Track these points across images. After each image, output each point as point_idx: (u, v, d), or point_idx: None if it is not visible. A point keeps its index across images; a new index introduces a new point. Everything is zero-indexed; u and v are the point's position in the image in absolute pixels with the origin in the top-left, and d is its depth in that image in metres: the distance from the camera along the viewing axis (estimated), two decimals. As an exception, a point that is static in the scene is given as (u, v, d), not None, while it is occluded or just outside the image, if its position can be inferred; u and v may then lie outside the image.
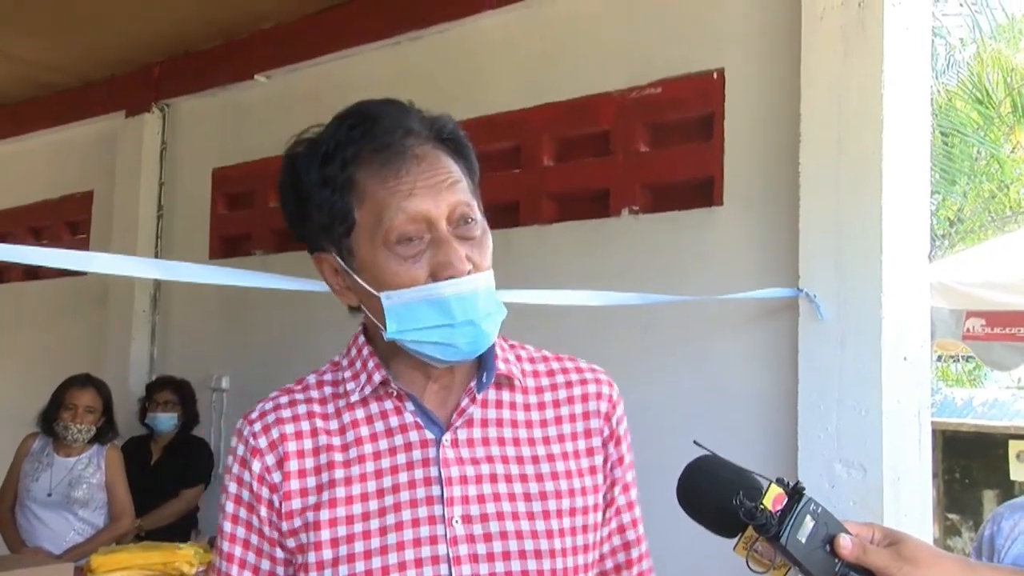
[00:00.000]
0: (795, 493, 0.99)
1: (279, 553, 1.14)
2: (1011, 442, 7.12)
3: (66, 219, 5.87)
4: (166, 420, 4.46)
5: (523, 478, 1.14)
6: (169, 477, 4.40)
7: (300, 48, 4.50)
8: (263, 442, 1.14)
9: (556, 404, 1.20)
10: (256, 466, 1.14)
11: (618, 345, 3.25)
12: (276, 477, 1.13)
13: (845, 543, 0.99)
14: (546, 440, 1.17)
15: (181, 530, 4.19)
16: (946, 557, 1.02)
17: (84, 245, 5.58)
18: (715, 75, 3.19)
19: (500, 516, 1.11)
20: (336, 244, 1.13)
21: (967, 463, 7.56)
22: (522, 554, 1.11)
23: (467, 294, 1.09)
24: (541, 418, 1.19)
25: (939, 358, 10.45)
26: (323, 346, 4.29)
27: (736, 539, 1.02)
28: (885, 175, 2.75)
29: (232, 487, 1.16)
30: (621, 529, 1.23)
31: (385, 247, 1.09)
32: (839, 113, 2.83)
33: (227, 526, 1.16)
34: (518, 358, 1.22)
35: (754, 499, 0.98)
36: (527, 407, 1.19)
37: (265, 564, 1.15)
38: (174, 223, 5.17)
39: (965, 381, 12.27)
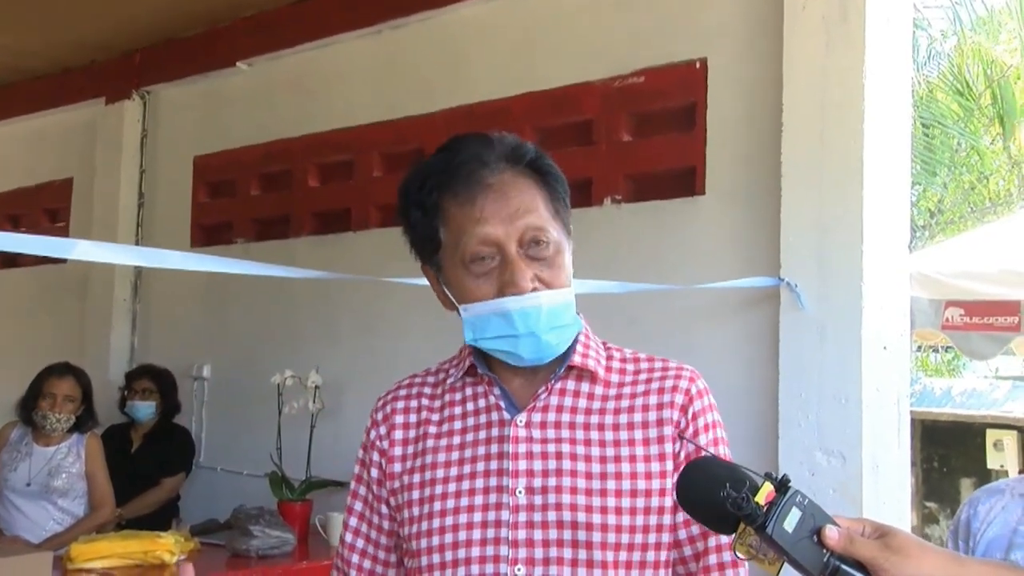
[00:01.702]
0: (781, 485, 1.01)
1: (384, 508, 1.36)
2: (988, 431, 7.18)
3: (45, 207, 5.81)
4: (144, 408, 4.44)
5: (587, 458, 1.25)
6: (149, 465, 4.38)
7: (282, 36, 4.47)
8: (379, 416, 1.38)
9: (633, 396, 1.30)
10: (372, 435, 1.37)
11: (603, 337, 3.25)
12: (384, 444, 1.35)
13: (831, 533, 1.01)
14: (616, 427, 1.28)
15: (162, 518, 4.17)
16: (933, 550, 1.03)
17: (63, 233, 5.53)
18: (698, 65, 3.19)
19: (559, 490, 1.23)
20: (429, 259, 1.31)
21: (945, 452, 7.62)
22: (574, 525, 1.22)
23: (530, 309, 1.22)
24: (616, 407, 1.29)
25: (918, 348, 10.53)
26: (304, 334, 4.31)
27: (734, 535, 1.04)
28: (866, 165, 2.76)
29: (360, 452, 1.39)
30: None
31: (462, 266, 1.25)
32: (821, 103, 2.84)
33: (353, 483, 1.40)
34: (609, 357, 1.34)
35: (739, 490, 1.01)
36: (605, 398, 1.30)
37: (375, 519, 1.37)
38: (155, 211, 5.13)
39: (944, 371, 12.38)
